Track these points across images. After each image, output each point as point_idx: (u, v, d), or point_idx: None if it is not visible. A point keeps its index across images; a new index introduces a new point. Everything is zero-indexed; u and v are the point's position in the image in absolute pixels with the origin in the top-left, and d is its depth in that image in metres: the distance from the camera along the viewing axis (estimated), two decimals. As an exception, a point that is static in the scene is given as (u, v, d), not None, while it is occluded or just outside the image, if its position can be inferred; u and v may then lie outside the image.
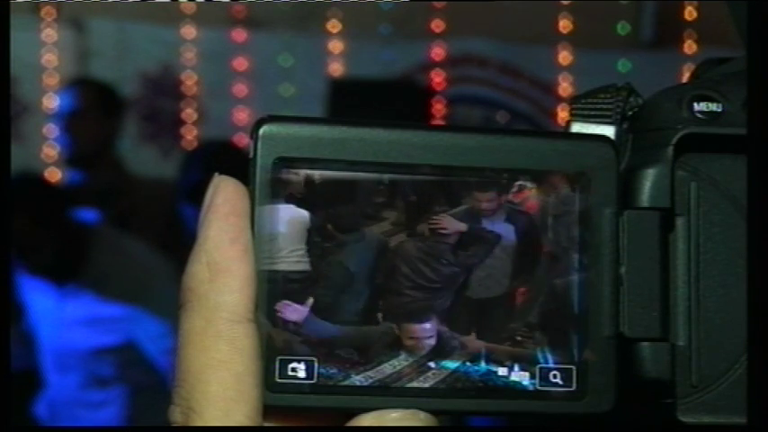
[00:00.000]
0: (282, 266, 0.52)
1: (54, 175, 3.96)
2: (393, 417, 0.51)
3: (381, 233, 0.53)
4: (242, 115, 4.27)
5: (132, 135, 4.08)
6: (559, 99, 4.44)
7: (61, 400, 2.84)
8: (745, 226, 0.55)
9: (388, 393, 0.52)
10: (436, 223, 0.53)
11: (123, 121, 3.54)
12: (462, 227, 0.54)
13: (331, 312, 0.52)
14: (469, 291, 0.54)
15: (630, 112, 0.58)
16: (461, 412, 0.53)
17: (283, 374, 0.52)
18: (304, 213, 0.52)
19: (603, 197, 0.54)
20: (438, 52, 4.44)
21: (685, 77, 0.68)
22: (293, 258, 0.52)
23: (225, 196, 0.51)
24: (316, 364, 0.52)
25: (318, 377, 0.52)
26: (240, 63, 4.31)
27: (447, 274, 0.54)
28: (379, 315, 0.53)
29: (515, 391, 0.53)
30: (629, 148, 0.57)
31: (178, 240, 2.72)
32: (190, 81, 4.31)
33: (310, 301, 0.52)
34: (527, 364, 0.53)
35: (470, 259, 0.54)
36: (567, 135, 0.57)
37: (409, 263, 0.53)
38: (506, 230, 0.54)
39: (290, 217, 0.52)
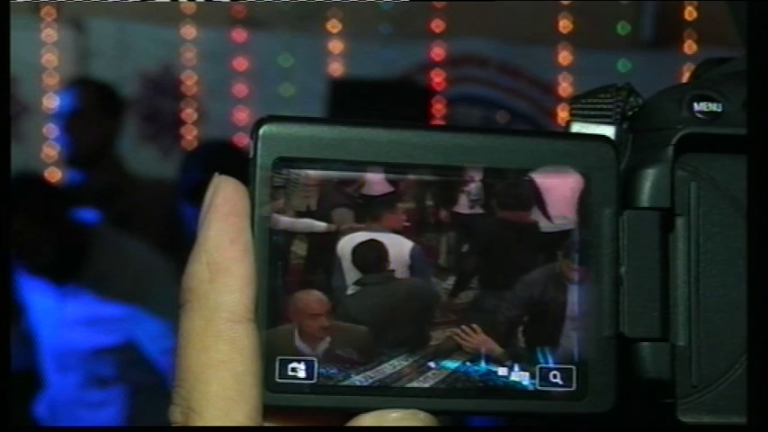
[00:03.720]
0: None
1: (54, 175, 3.96)
2: (393, 417, 0.51)
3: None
4: (242, 115, 4.27)
5: (132, 135, 4.07)
6: (559, 99, 4.44)
7: (61, 400, 2.83)
8: (745, 226, 0.55)
9: (388, 393, 0.52)
10: (464, 337, 0.53)
11: (123, 121, 3.54)
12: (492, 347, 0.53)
13: None
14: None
15: (630, 112, 0.58)
16: (461, 412, 0.53)
17: (283, 374, 0.52)
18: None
19: (603, 197, 0.54)
20: (438, 52, 4.44)
21: (685, 77, 0.68)
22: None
23: (225, 196, 0.51)
24: (316, 364, 0.52)
25: (318, 377, 0.52)
26: (240, 63, 4.31)
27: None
28: None
29: (515, 391, 0.53)
30: (629, 148, 0.57)
31: (178, 240, 2.72)
32: (190, 81, 4.31)
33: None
34: (527, 364, 0.53)
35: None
36: (567, 135, 0.57)
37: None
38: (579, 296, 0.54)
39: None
